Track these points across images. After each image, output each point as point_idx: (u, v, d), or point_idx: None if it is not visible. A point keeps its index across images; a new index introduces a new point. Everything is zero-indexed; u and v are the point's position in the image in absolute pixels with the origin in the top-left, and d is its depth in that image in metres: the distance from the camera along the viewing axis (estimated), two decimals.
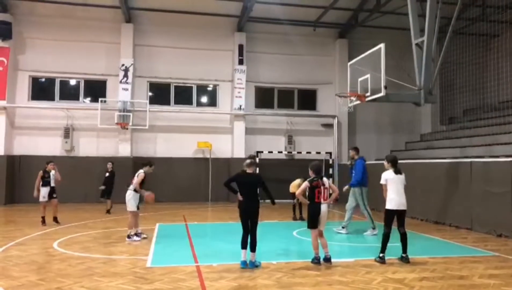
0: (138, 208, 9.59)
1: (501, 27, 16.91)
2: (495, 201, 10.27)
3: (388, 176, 7.53)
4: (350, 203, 10.68)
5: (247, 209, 7.07)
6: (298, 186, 11.20)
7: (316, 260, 7.15)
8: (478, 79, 17.46)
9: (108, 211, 13.96)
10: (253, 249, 7.00)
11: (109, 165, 14.44)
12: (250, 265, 6.89)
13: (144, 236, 9.59)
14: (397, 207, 7.44)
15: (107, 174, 14.31)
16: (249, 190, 7.10)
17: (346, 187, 10.66)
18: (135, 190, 9.47)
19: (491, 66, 16.72)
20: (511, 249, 8.68)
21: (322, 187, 7.22)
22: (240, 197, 7.14)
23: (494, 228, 10.28)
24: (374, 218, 10.47)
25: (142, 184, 9.44)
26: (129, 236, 9.38)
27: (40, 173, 11.63)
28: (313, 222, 7.23)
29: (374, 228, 10.34)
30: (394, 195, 7.43)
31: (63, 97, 18.66)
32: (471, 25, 17.79)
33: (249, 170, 7.24)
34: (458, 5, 11.89)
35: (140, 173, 9.50)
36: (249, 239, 7.03)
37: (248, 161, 7.39)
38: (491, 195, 10.39)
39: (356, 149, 11.00)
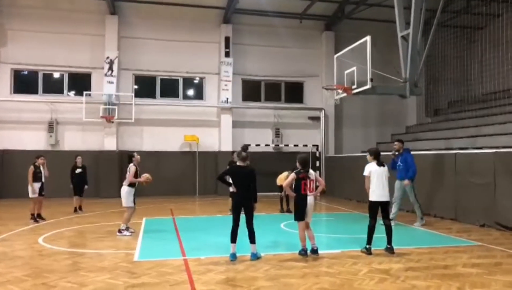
0: (134, 203, 9.57)
1: (486, 19, 17.13)
2: (478, 192, 10.46)
3: (372, 168, 7.64)
4: (398, 195, 10.63)
5: (240, 201, 7.11)
6: (285, 179, 11.26)
7: (303, 252, 7.22)
8: (462, 71, 17.68)
9: (77, 209, 13.17)
10: (252, 241, 7.07)
11: (79, 160, 13.46)
12: (253, 257, 6.98)
13: (132, 230, 9.56)
14: (380, 198, 7.56)
15: (79, 170, 13.33)
16: (242, 182, 7.13)
17: (406, 181, 10.33)
18: (129, 185, 9.42)
19: (475, 58, 16.94)
20: (494, 239, 8.87)
21: (308, 180, 7.27)
22: (234, 189, 7.16)
23: (477, 218, 10.48)
24: (359, 210, 10.58)
25: (136, 177, 9.45)
26: (120, 231, 9.34)
27: (32, 168, 11.37)
28: (300, 214, 7.29)
29: (422, 219, 10.52)
30: (377, 187, 7.55)
31: (47, 90, 18.41)
32: (456, 17, 17.98)
33: (242, 163, 7.27)
34: None
35: (131, 167, 9.46)
36: (238, 231, 7.09)
37: (243, 154, 7.37)
38: (475, 186, 10.58)
39: (402, 141, 10.91)
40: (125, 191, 9.44)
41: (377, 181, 7.56)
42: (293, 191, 7.39)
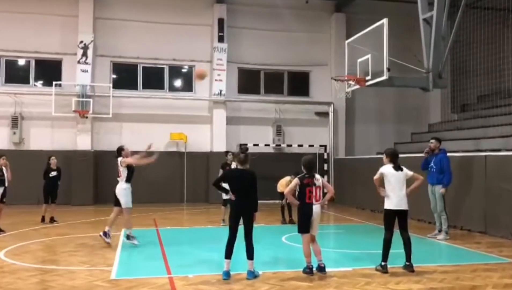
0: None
1: None
2: None
3: (387, 171, 7.62)
4: (436, 205, 10.75)
5: (239, 210, 7.13)
6: (287, 185, 11.31)
7: (308, 270, 7.23)
8: (495, 60, 17.67)
9: (51, 219, 13.10)
10: (250, 257, 7.07)
11: (54, 161, 13.54)
12: (250, 275, 6.99)
13: (108, 240, 9.54)
14: (398, 207, 7.55)
15: (54, 173, 13.38)
16: (241, 188, 7.16)
17: (442, 189, 10.52)
18: (127, 181, 9.60)
19: (510, 45, 16.95)
20: None
21: (314, 186, 7.29)
22: (232, 197, 7.18)
23: (510, 231, 10.49)
24: (373, 221, 10.57)
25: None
26: (128, 237, 9.49)
27: None
28: (305, 225, 7.30)
29: (447, 232, 10.60)
30: (392, 193, 7.54)
31: (10, 80, 18.39)
32: None
33: (241, 166, 7.30)
34: None
35: (120, 159, 9.63)
36: (233, 246, 7.08)
37: (242, 156, 7.42)
38: (508, 194, 10.59)
39: (439, 140, 10.96)
40: (123, 188, 9.61)
41: (394, 186, 7.56)
42: (297, 198, 7.40)
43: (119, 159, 9.69)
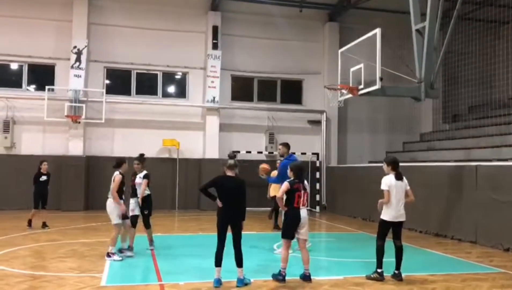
0: (127, 217, 9.30)
1: (511, 13, 17.32)
2: (502, 211, 10.52)
3: (391, 182, 7.53)
4: None
5: (226, 218, 7.06)
6: (278, 189, 11.29)
7: (281, 277, 7.18)
8: (486, 71, 17.84)
9: (44, 225, 12.98)
10: (240, 265, 7.04)
11: (45, 166, 13.33)
12: (239, 283, 6.96)
13: (130, 254, 9.20)
14: (395, 218, 7.52)
15: (44, 177, 13.21)
16: (230, 196, 7.08)
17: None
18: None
19: (501, 57, 17.10)
20: None
21: (302, 191, 7.33)
22: (219, 204, 7.11)
23: (501, 241, 10.54)
24: (365, 229, 10.53)
25: (120, 190, 9.04)
26: (108, 254, 8.88)
27: None
28: (290, 230, 7.32)
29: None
30: (393, 204, 7.47)
31: (2, 84, 18.25)
32: (479, 9, 18.16)
33: (230, 173, 7.23)
34: None
35: (116, 175, 9.07)
36: (222, 253, 7.06)
37: (231, 162, 7.35)
38: (499, 204, 10.65)
39: (287, 146, 10.37)
40: (111, 205, 9.04)
41: (394, 198, 7.49)
42: (285, 204, 7.41)
43: (115, 172, 9.12)
